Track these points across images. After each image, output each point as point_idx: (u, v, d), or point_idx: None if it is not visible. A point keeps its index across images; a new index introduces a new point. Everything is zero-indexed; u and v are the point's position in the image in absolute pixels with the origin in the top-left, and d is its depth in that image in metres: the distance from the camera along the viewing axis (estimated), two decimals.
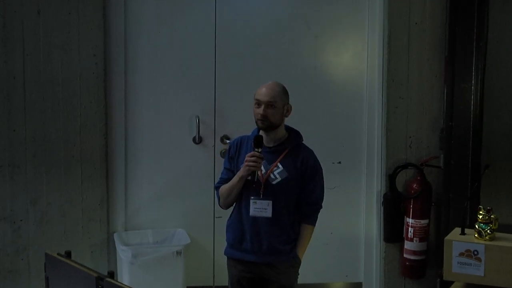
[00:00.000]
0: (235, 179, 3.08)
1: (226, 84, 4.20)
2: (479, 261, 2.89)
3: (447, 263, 2.96)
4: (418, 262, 4.16)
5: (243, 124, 3.50)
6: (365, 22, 4.31)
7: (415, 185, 4.15)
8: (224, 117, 4.22)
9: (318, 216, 3.21)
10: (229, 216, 3.24)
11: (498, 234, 2.95)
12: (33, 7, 3.87)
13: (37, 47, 3.89)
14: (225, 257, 3.25)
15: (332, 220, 4.23)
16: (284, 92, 3.11)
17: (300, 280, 3.25)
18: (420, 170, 4.16)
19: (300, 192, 3.13)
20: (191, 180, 4.22)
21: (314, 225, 3.20)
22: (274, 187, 3.07)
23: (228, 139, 4.16)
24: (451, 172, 4.06)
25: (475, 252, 2.90)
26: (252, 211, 3.07)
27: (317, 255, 4.06)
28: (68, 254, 2.46)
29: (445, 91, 4.11)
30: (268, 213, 3.06)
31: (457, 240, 2.95)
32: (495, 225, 2.93)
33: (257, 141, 3.03)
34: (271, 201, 3.06)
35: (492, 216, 2.92)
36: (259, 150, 3.01)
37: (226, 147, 3.77)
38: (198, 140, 4.19)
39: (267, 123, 3.05)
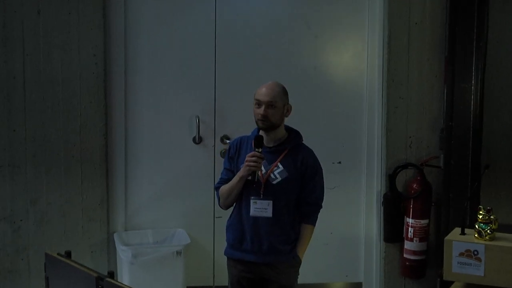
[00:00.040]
0: (235, 179, 3.08)
1: (226, 84, 4.20)
2: (479, 261, 2.89)
3: (447, 263, 2.96)
4: (418, 262, 4.16)
5: (243, 124, 3.49)
6: (365, 22, 4.31)
7: (415, 185, 4.15)
8: (224, 117, 4.22)
9: (318, 216, 3.21)
10: (229, 216, 3.24)
11: (498, 234, 2.95)
12: (33, 7, 3.87)
13: (37, 47, 3.89)
14: (225, 257, 3.25)
15: (332, 220, 4.23)
16: (284, 92, 3.11)
17: (300, 280, 3.25)
18: (420, 170, 4.16)
19: (300, 192, 3.13)
20: (191, 180, 4.22)
21: (314, 225, 3.21)
22: (274, 187, 3.07)
23: (228, 139, 4.16)
24: (451, 172, 4.06)
25: (475, 252, 2.90)
26: (253, 211, 3.07)
27: (317, 255, 4.06)
28: (68, 254, 2.46)
29: (445, 91, 4.11)
30: (269, 213, 3.06)
31: (457, 240, 2.95)
32: (495, 225, 2.93)
33: (258, 141, 3.03)
34: (271, 201, 3.06)
35: (492, 216, 2.92)
36: (260, 150, 3.01)
37: (226, 147, 3.77)
38: (198, 140, 4.19)
39: (268, 123, 3.05)
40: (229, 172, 3.18)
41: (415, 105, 4.22)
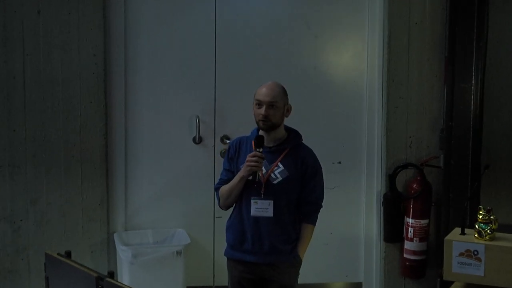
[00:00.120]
0: (235, 179, 3.08)
1: (226, 84, 4.20)
2: (479, 261, 2.89)
3: (447, 263, 2.96)
4: (418, 262, 4.16)
5: (243, 124, 3.49)
6: (365, 22, 4.31)
7: (415, 185, 4.15)
8: (224, 117, 4.22)
9: (318, 216, 3.21)
10: (229, 216, 3.24)
11: (498, 234, 2.95)
12: (33, 7, 3.87)
13: (37, 47, 3.89)
14: (225, 257, 3.25)
15: (332, 220, 4.23)
16: (284, 92, 3.11)
17: (300, 280, 3.25)
18: (420, 170, 4.16)
19: (301, 192, 3.13)
20: (191, 180, 4.22)
21: (315, 225, 3.21)
22: (275, 187, 3.07)
23: (228, 139, 4.16)
24: (451, 172, 4.06)
25: (475, 252, 2.90)
26: (253, 211, 3.07)
27: (317, 255, 4.06)
28: (68, 254, 2.46)
29: (445, 91, 4.11)
30: (269, 213, 3.06)
31: (457, 240, 2.95)
32: (495, 225, 2.93)
33: (258, 141, 3.03)
34: (272, 201, 3.06)
35: (492, 216, 2.92)
36: (260, 150, 3.01)
37: (226, 147, 3.76)
38: (198, 140, 4.19)
39: (269, 124, 3.05)
40: (229, 173, 3.18)
41: (415, 105, 4.22)
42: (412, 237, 4.12)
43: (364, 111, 4.34)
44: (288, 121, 3.18)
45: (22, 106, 3.91)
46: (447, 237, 3.01)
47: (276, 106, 3.04)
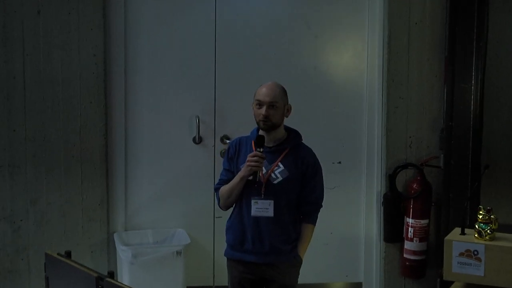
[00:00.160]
0: (236, 179, 3.08)
1: (226, 84, 4.20)
2: (479, 261, 2.89)
3: (447, 263, 2.96)
4: (418, 262, 4.16)
5: (243, 124, 3.49)
6: (365, 22, 4.31)
7: (415, 185, 4.15)
8: (224, 117, 4.22)
9: (318, 216, 3.21)
10: (228, 216, 3.24)
11: (498, 234, 2.95)
12: (33, 7, 3.87)
13: (37, 47, 3.89)
14: (225, 257, 3.25)
15: (332, 220, 4.23)
16: (284, 92, 3.11)
17: (300, 280, 3.25)
18: (420, 170, 4.16)
19: (301, 191, 3.13)
20: (191, 180, 4.22)
21: (315, 225, 3.21)
22: (275, 187, 3.07)
23: (228, 139, 4.16)
24: (451, 172, 4.06)
25: (475, 252, 2.90)
26: (254, 211, 3.07)
27: (317, 255, 4.06)
28: (68, 254, 2.46)
29: (445, 91, 4.11)
30: (270, 213, 3.06)
31: (457, 240, 2.95)
32: (495, 225, 2.93)
33: (259, 141, 3.03)
34: (272, 201, 3.06)
35: (492, 216, 2.92)
36: (261, 150, 3.02)
37: (226, 147, 3.76)
38: (198, 140, 4.19)
39: (269, 124, 3.05)
40: (229, 173, 3.18)
41: (415, 105, 4.22)
42: (412, 237, 4.12)
43: (364, 111, 4.34)
44: (288, 121, 3.18)
45: (22, 106, 3.91)
46: (447, 237, 3.01)
47: (276, 106, 3.04)
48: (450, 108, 4.06)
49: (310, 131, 3.52)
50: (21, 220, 3.96)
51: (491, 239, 2.92)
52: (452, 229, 3.17)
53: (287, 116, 3.14)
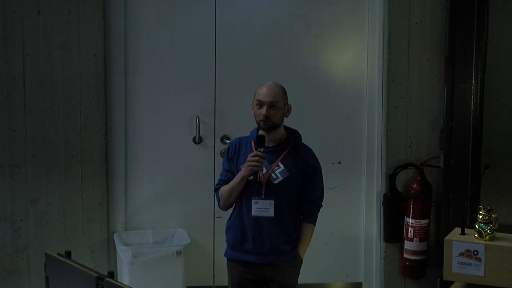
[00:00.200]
0: (236, 179, 3.08)
1: (226, 84, 4.20)
2: (479, 261, 2.89)
3: (447, 263, 2.96)
4: (418, 262, 4.16)
5: (243, 124, 3.49)
6: (365, 22, 4.31)
7: (415, 185, 4.15)
8: (224, 117, 4.22)
9: (318, 215, 3.22)
10: (228, 217, 3.24)
11: (498, 234, 2.95)
12: (33, 7, 3.87)
13: (37, 47, 3.89)
14: (225, 257, 3.25)
15: (332, 220, 4.23)
16: (284, 92, 3.12)
17: (300, 280, 3.25)
18: (420, 170, 4.15)
19: (301, 191, 3.13)
20: (191, 180, 4.22)
21: (315, 224, 3.21)
22: (275, 187, 3.07)
23: (228, 139, 4.16)
24: (451, 172, 4.06)
25: (475, 252, 2.90)
26: (254, 211, 3.07)
27: (317, 255, 4.06)
28: (68, 254, 2.46)
29: (445, 91, 4.11)
30: (270, 213, 3.06)
31: (457, 240, 2.95)
32: (495, 225, 2.93)
33: (259, 141, 3.03)
34: (273, 201, 3.06)
35: (492, 216, 2.92)
36: (261, 150, 3.02)
37: (226, 147, 3.76)
38: (198, 140, 4.19)
39: (270, 124, 3.05)
40: (229, 173, 3.18)
41: (415, 105, 4.22)
42: (412, 237, 4.12)
43: (364, 111, 4.34)
44: (288, 121, 3.18)
45: (22, 106, 3.91)
46: (447, 237, 3.01)
47: (277, 106, 3.05)
48: (450, 108, 4.06)
49: (310, 131, 3.52)
50: (21, 220, 3.96)
51: (491, 239, 2.92)
52: (452, 229, 3.17)
53: (287, 116, 3.14)
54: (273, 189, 3.07)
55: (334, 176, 4.21)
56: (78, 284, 2.28)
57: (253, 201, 3.07)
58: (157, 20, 4.13)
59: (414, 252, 4.14)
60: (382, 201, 4.25)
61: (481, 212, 2.95)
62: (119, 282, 2.19)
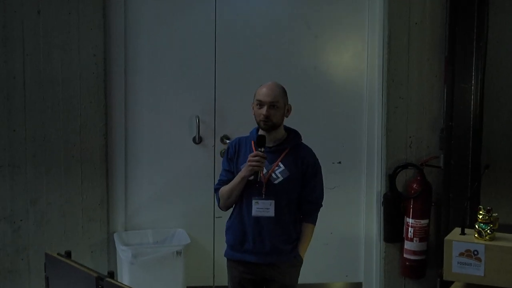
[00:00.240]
0: (236, 179, 3.08)
1: (226, 84, 4.20)
2: (479, 261, 2.89)
3: (447, 263, 2.96)
4: (418, 262, 4.16)
5: (243, 124, 3.49)
6: (365, 22, 4.31)
7: (415, 185, 4.15)
8: (224, 117, 4.22)
9: (318, 215, 3.22)
10: (228, 217, 3.24)
11: (498, 234, 2.95)
12: (33, 7, 3.87)
13: (37, 47, 3.89)
14: (225, 258, 3.25)
15: (332, 220, 4.23)
16: (284, 92, 3.12)
17: (300, 280, 3.25)
18: (420, 170, 4.15)
19: (301, 191, 3.13)
20: (191, 180, 4.22)
21: (315, 224, 3.21)
22: (276, 187, 3.07)
23: (228, 139, 4.16)
24: (451, 172, 4.06)
25: (475, 252, 2.90)
26: (255, 212, 3.07)
27: (317, 255, 4.06)
28: (68, 254, 2.46)
29: (445, 91, 4.11)
30: (271, 213, 3.06)
31: (457, 240, 2.95)
32: (495, 225, 2.92)
33: (260, 141, 3.03)
34: (273, 201, 3.06)
35: (494, 215, 2.92)
36: (262, 150, 3.02)
37: (226, 147, 3.76)
38: (198, 140, 4.19)
39: (270, 124, 3.05)
40: (229, 173, 3.18)
41: (415, 105, 4.22)
42: (412, 237, 4.12)
43: (364, 111, 4.34)
44: (288, 121, 3.18)
45: (22, 106, 3.91)
46: (447, 237, 3.01)
47: (277, 106, 3.05)
48: (450, 108, 4.06)
49: (310, 131, 3.53)
50: (21, 220, 3.96)
51: (491, 239, 2.91)
52: (452, 229, 3.16)
53: (287, 116, 3.14)
54: (273, 189, 3.07)
55: (334, 176, 4.21)
56: (78, 284, 2.28)
57: (253, 201, 3.07)
58: (157, 20, 4.13)
59: (414, 252, 4.14)
60: (382, 201, 4.25)
61: (481, 212, 2.95)
62: (119, 282, 2.19)
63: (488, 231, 2.91)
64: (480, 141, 4.03)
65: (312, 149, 3.20)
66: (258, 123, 3.10)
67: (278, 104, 3.05)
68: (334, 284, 4.52)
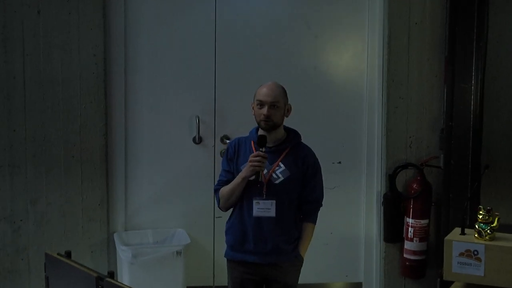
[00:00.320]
0: (237, 180, 3.08)
1: (226, 84, 4.20)
2: (479, 261, 2.89)
3: (447, 263, 2.95)
4: (418, 262, 4.16)
5: (243, 124, 3.49)
6: (365, 22, 4.31)
7: (415, 185, 4.15)
8: (224, 117, 4.22)
9: (318, 215, 3.22)
10: (228, 217, 3.24)
11: (498, 234, 2.95)
12: (33, 7, 3.87)
13: (37, 47, 3.89)
14: (225, 258, 3.24)
15: (332, 220, 4.23)
16: (284, 92, 3.12)
17: (300, 280, 3.25)
18: (420, 170, 4.15)
19: (301, 191, 3.13)
20: (191, 180, 4.22)
21: (315, 224, 3.21)
22: (276, 187, 3.07)
23: (228, 139, 4.16)
24: (451, 172, 4.06)
25: (475, 252, 2.90)
26: (256, 212, 3.07)
27: (317, 255, 4.06)
28: (68, 254, 2.46)
29: (445, 91, 4.11)
30: (272, 213, 3.06)
31: (457, 240, 2.95)
32: (496, 224, 2.92)
33: (261, 141, 3.03)
34: (274, 201, 3.06)
35: (495, 213, 2.92)
36: (263, 150, 3.02)
37: (226, 147, 3.76)
38: (198, 140, 4.19)
39: (270, 124, 3.05)
40: (228, 174, 3.18)
41: (415, 105, 4.22)
42: (412, 237, 4.12)
43: (364, 111, 4.34)
44: (288, 121, 3.18)
45: (22, 106, 3.91)
46: (447, 237, 3.00)
47: (277, 106, 3.05)
48: (450, 108, 4.05)
49: (310, 131, 3.53)
50: (21, 220, 3.96)
51: (491, 239, 2.91)
52: (452, 229, 3.16)
53: (287, 116, 3.14)
54: (274, 189, 3.07)
55: (334, 176, 4.21)
56: (78, 284, 2.28)
57: (254, 202, 3.07)
58: (157, 20, 4.13)
59: (414, 252, 4.14)
60: (382, 201, 4.25)
61: (481, 212, 2.94)
62: (119, 282, 2.19)
63: (488, 231, 2.91)
64: (480, 141, 4.03)
65: (312, 149, 3.20)
66: (258, 123, 3.10)
67: (279, 104, 3.05)
68: (334, 284, 4.52)
